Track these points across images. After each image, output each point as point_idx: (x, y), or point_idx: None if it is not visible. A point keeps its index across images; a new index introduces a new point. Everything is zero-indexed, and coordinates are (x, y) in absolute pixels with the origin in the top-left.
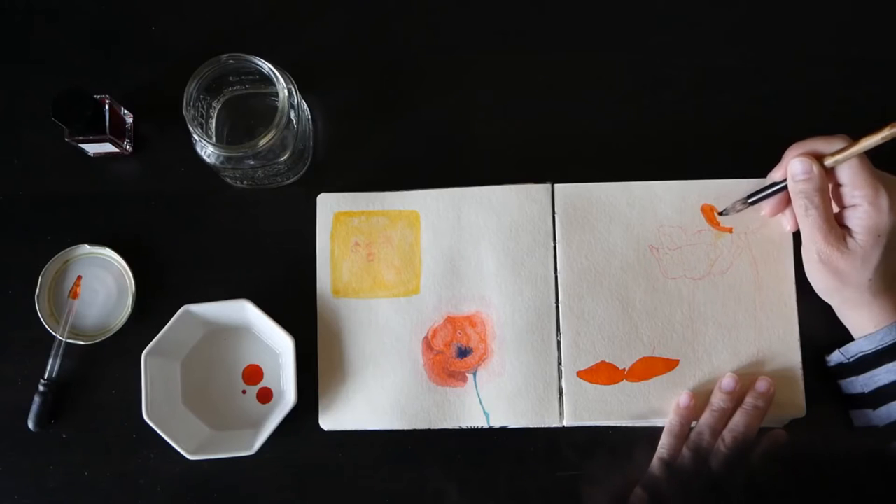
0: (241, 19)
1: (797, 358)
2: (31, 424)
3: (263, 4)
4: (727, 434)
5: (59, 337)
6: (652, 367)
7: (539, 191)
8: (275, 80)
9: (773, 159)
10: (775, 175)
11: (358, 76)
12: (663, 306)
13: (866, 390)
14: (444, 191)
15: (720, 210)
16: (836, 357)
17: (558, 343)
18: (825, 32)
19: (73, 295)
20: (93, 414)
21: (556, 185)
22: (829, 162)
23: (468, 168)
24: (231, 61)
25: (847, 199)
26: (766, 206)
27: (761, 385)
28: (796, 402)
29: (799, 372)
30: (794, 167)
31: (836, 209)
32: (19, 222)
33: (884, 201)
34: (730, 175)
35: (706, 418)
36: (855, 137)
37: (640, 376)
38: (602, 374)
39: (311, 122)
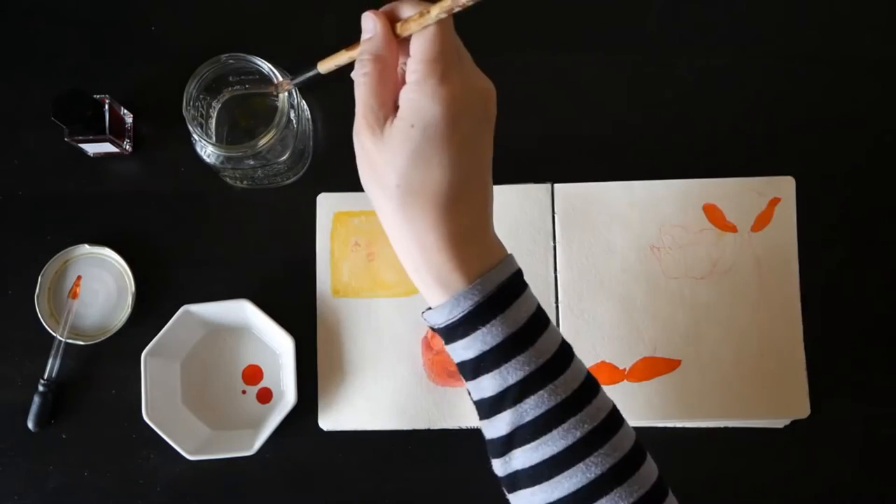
0: (241, 19)
1: (801, 357)
2: (31, 424)
3: (263, 4)
4: None
5: (59, 337)
6: (653, 368)
7: (539, 191)
8: (275, 80)
9: (774, 159)
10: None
11: None
12: (665, 306)
13: (457, 360)
14: None
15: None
16: (425, 319)
17: None
18: (825, 32)
19: (73, 295)
20: (93, 414)
21: (556, 185)
22: (400, 28)
23: None
24: (231, 61)
25: (407, 76)
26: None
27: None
28: (800, 401)
29: (803, 372)
30: (363, 22)
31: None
32: (19, 222)
33: (431, 82)
34: (731, 174)
35: None
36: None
37: (641, 376)
38: (602, 374)
39: (311, 122)
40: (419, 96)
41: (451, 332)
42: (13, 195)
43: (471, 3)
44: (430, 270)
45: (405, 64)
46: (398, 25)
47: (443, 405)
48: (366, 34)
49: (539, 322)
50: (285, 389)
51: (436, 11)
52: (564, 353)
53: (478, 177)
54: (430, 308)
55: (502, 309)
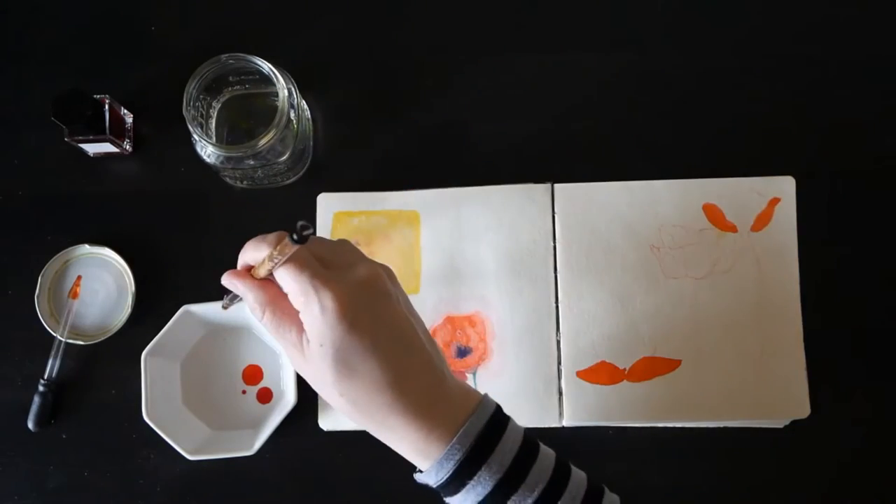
0: (241, 19)
1: (801, 357)
2: (31, 424)
3: (263, 4)
4: None
5: (59, 337)
6: (653, 367)
7: (539, 191)
8: (275, 80)
9: (774, 158)
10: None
11: (358, 76)
12: (664, 306)
13: None
14: (444, 191)
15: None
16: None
17: (558, 343)
18: (825, 33)
19: (73, 295)
20: (93, 414)
21: (556, 185)
22: (258, 273)
23: (468, 168)
24: (231, 61)
25: (293, 303)
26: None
27: None
28: (800, 402)
29: (803, 372)
30: (227, 286)
31: None
32: (19, 222)
33: (312, 307)
34: (731, 174)
35: None
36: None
37: (641, 376)
38: (602, 374)
39: (311, 122)
40: (310, 320)
41: (445, 490)
42: (13, 195)
43: (281, 261)
44: (409, 445)
45: None
46: (254, 271)
47: None
48: (239, 293)
49: (528, 454)
50: (285, 389)
51: (265, 268)
52: (559, 473)
53: (408, 348)
54: (419, 470)
55: (485, 457)
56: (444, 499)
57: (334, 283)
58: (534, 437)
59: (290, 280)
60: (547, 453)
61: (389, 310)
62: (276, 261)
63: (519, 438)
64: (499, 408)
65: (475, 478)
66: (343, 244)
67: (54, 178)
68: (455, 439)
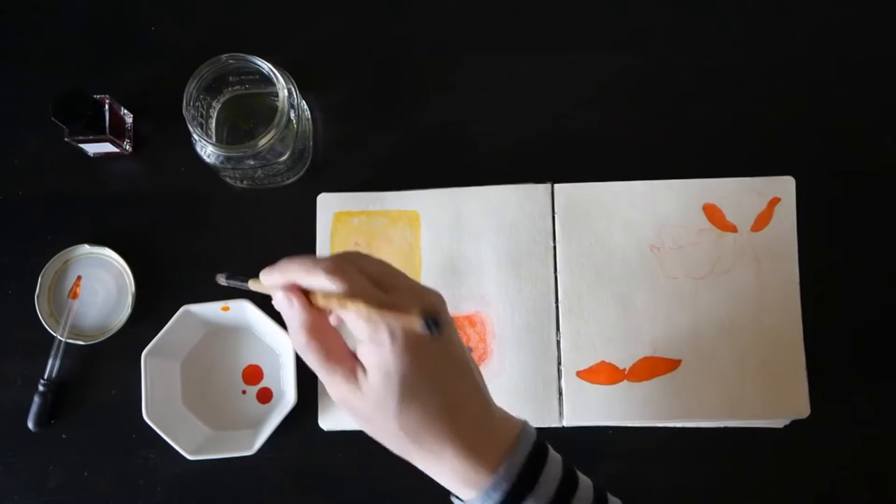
0: (241, 19)
1: (801, 358)
2: (31, 424)
3: (263, 4)
4: None
5: (59, 337)
6: (653, 368)
7: (539, 191)
8: (275, 80)
9: (773, 159)
10: (260, 281)
11: (358, 76)
12: (665, 306)
13: None
14: (443, 191)
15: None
16: None
17: (558, 343)
18: (826, 33)
19: (73, 295)
20: (93, 414)
21: (556, 185)
22: (320, 303)
23: (468, 168)
24: (231, 61)
25: (353, 331)
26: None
27: None
28: (800, 401)
29: (803, 371)
30: (276, 303)
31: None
32: (19, 222)
33: (384, 336)
34: (731, 174)
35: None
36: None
37: (641, 376)
38: (602, 374)
39: (311, 122)
40: (376, 350)
41: None
42: (13, 195)
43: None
44: (454, 474)
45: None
46: (317, 299)
47: None
48: (286, 311)
49: (568, 484)
50: (285, 389)
51: (330, 302)
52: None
53: (462, 374)
54: (458, 498)
55: (531, 487)
56: None
57: (398, 310)
58: (570, 463)
59: (356, 309)
60: (585, 483)
61: (448, 336)
62: (336, 303)
63: (559, 467)
64: (538, 437)
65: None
66: (388, 265)
67: (54, 178)
68: (502, 470)
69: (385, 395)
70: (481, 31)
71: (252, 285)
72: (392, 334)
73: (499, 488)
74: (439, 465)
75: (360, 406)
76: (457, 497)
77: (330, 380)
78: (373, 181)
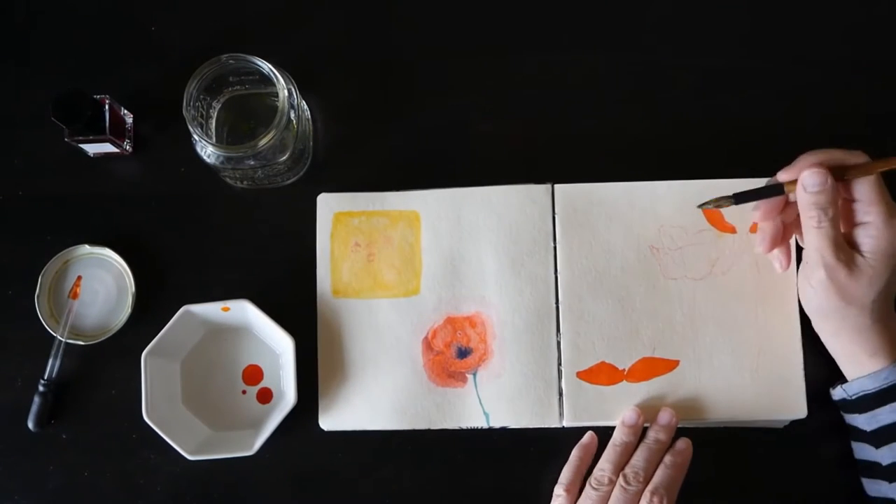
0: (241, 19)
1: (799, 358)
2: (31, 424)
3: (263, 4)
4: (628, 470)
5: (59, 337)
6: (652, 368)
7: (539, 191)
8: (275, 80)
9: (773, 159)
10: (782, 176)
11: (358, 76)
12: (663, 307)
13: (868, 428)
14: (444, 191)
15: (699, 203)
16: (838, 392)
17: (558, 343)
18: (825, 33)
19: (73, 295)
20: (93, 414)
21: (557, 186)
22: (848, 175)
23: (468, 168)
24: (231, 61)
25: (859, 216)
26: (760, 208)
27: (663, 417)
28: (797, 402)
29: (800, 372)
30: (807, 178)
31: (843, 227)
32: (19, 222)
33: (894, 220)
34: (731, 175)
35: (607, 453)
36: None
37: (639, 377)
38: (602, 374)
39: (311, 122)
40: (888, 233)
41: (877, 398)
42: (13, 195)
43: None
44: (880, 351)
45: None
46: (847, 172)
47: (443, 405)
48: (818, 186)
49: None
50: (285, 389)
51: (883, 164)
52: None
53: None
54: (841, 382)
55: None
56: (873, 409)
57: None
58: None
59: (879, 190)
60: None
61: None
62: (867, 168)
63: None
64: None
65: None
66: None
67: (54, 178)
68: None
69: (881, 274)
70: (482, 31)
71: (781, 176)
72: None
73: None
74: (873, 340)
75: (847, 282)
76: (841, 385)
77: (834, 253)
78: (373, 181)
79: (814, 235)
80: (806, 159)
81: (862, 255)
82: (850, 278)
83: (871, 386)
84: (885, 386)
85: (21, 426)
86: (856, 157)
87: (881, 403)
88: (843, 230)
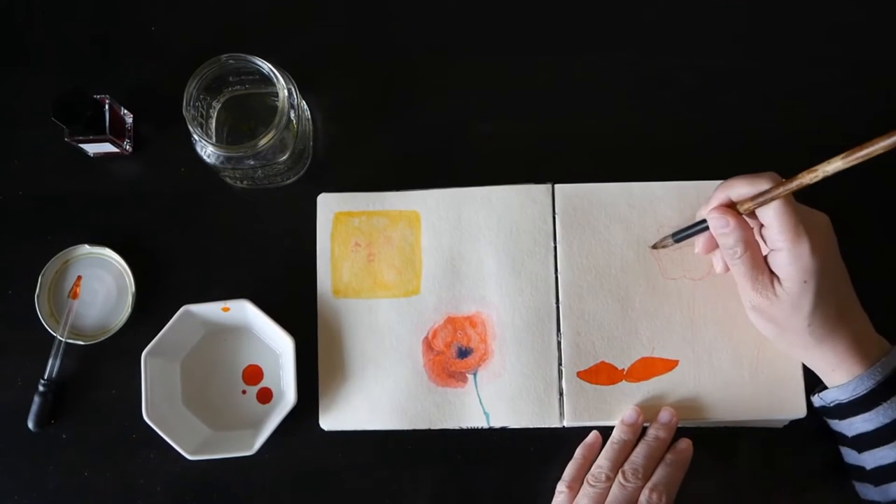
0: (241, 19)
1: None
2: (31, 424)
3: (263, 4)
4: (627, 466)
5: (59, 337)
6: (651, 368)
7: (539, 191)
8: (275, 80)
9: (773, 159)
10: (701, 213)
11: (358, 76)
12: (663, 307)
13: (849, 434)
14: (444, 191)
15: (651, 244)
16: (817, 401)
17: (558, 343)
18: (826, 33)
19: (73, 295)
20: (93, 414)
21: (557, 186)
22: (745, 207)
23: (468, 168)
24: (231, 61)
25: (770, 243)
26: (698, 244)
27: (664, 416)
28: (796, 402)
29: (799, 372)
30: (711, 223)
31: (765, 250)
32: (19, 222)
33: (804, 246)
34: (730, 175)
35: (606, 451)
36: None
37: (639, 377)
38: (602, 374)
39: (311, 122)
40: (798, 257)
41: (854, 406)
42: (13, 195)
43: (812, 182)
44: (841, 366)
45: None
46: (742, 206)
47: (443, 405)
48: (721, 229)
49: None
50: (285, 389)
51: (780, 190)
52: None
53: (846, 280)
54: (821, 390)
55: None
56: (839, 420)
57: (809, 223)
58: None
59: (783, 216)
60: None
61: (837, 247)
62: (767, 197)
63: None
64: None
65: (888, 401)
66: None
67: (54, 178)
68: (878, 365)
69: (801, 299)
70: (482, 32)
71: (701, 213)
72: (812, 242)
73: (873, 378)
74: (828, 356)
75: (773, 311)
76: (818, 393)
77: (752, 286)
78: (373, 181)
79: (733, 271)
80: (716, 195)
81: (780, 284)
82: (774, 307)
83: (842, 396)
84: (854, 397)
85: (21, 426)
86: (762, 183)
87: (854, 413)
88: (763, 255)
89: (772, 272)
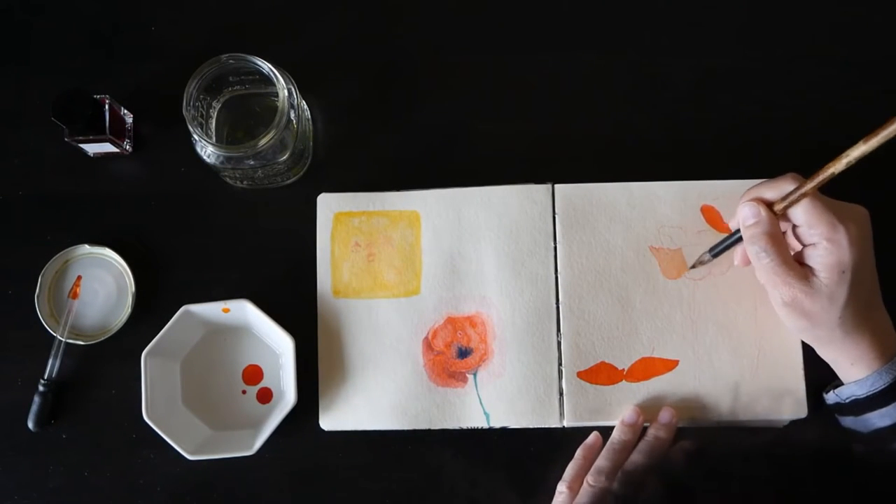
0: (241, 19)
1: (799, 358)
2: (31, 424)
3: (263, 4)
4: (629, 466)
5: (59, 337)
6: (651, 368)
7: (539, 191)
8: (275, 80)
9: (773, 160)
10: (732, 224)
11: (358, 76)
12: (663, 307)
13: (864, 430)
14: (444, 191)
15: (691, 265)
16: (831, 397)
17: (559, 343)
18: (826, 33)
19: (73, 295)
20: (93, 414)
21: (557, 186)
22: (778, 207)
23: (468, 168)
24: (231, 61)
25: (805, 238)
26: (736, 257)
27: (663, 416)
28: (797, 402)
29: (800, 372)
30: (741, 212)
31: (798, 248)
32: (19, 222)
33: (842, 236)
34: (730, 175)
35: (605, 451)
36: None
37: (639, 377)
38: (602, 374)
39: (311, 122)
40: (836, 250)
41: (872, 401)
42: (13, 195)
43: (836, 173)
44: (861, 359)
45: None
46: (776, 205)
47: (443, 405)
48: (752, 219)
49: None
50: (285, 389)
51: (815, 182)
52: None
53: (876, 281)
54: (834, 386)
55: None
56: (864, 413)
57: (845, 214)
58: None
59: (815, 210)
60: None
61: (871, 241)
62: (796, 195)
63: None
64: None
65: None
66: None
67: (54, 178)
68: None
69: (838, 289)
70: (482, 31)
71: (732, 224)
72: (849, 235)
73: (891, 371)
74: (850, 350)
75: (808, 303)
76: (833, 390)
77: (783, 281)
78: (373, 181)
79: (759, 269)
80: (743, 198)
81: (816, 276)
82: (809, 300)
83: (859, 392)
84: (872, 392)
85: (21, 426)
86: (784, 186)
87: (871, 408)
88: (797, 250)
89: (805, 266)
